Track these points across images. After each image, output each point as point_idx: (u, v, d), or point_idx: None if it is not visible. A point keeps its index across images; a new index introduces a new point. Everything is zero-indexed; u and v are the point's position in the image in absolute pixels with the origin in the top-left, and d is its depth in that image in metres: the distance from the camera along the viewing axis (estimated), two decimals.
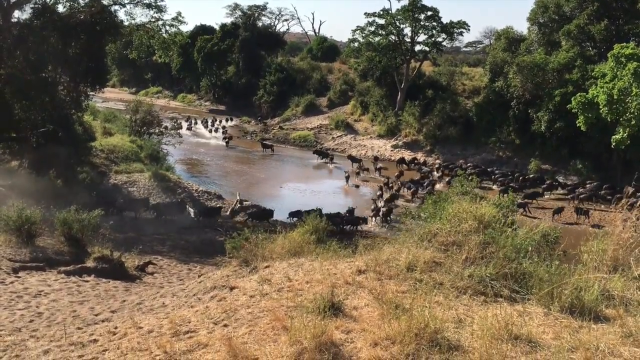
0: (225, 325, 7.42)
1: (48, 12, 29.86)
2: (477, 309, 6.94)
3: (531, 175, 41.47)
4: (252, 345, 6.44)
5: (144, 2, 34.80)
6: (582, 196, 35.14)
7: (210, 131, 62.59)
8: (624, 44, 32.89)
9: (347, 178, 41.83)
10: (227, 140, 55.87)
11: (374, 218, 31.88)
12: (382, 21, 58.44)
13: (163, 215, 28.85)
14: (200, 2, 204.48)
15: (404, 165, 46.08)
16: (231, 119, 69.38)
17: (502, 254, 7.86)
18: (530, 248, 8.37)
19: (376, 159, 47.69)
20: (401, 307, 6.53)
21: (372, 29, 59.06)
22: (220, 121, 67.23)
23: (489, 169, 43.55)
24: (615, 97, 30.66)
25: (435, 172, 43.82)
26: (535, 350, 5.80)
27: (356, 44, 62.96)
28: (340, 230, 28.10)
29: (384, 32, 58.53)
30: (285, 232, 12.77)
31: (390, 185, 39.29)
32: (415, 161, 47.56)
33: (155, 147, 40.92)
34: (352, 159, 46.34)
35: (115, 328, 9.05)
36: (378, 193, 37.38)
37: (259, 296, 8.35)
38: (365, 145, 54.84)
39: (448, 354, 5.68)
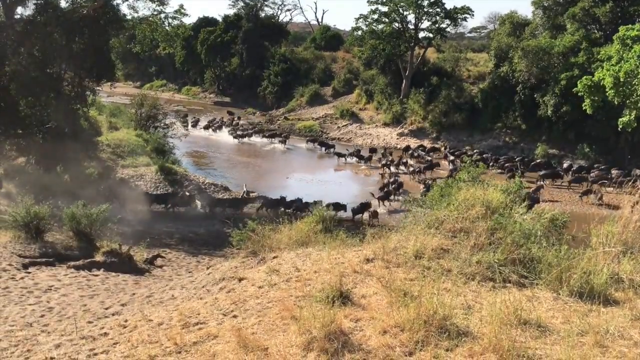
0: (235, 316, 7.44)
1: (51, 8, 29.83)
2: (486, 294, 6.94)
3: (538, 160, 41.31)
4: (261, 336, 6.46)
5: None
6: (601, 181, 34.93)
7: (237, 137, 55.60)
8: (630, 25, 32.59)
9: (367, 159, 43.80)
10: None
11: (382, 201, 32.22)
12: (385, 8, 58.15)
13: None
14: None
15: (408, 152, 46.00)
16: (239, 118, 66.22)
17: (510, 240, 7.85)
18: (539, 233, 8.35)
19: (372, 150, 46.74)
20: (410, 294, 6.53)
21: (376, 16, 58.82)
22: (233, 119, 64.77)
23: (494, 156, 43.37)
24: (621, 79, 30.41)
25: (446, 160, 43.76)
26: (544, 335, 5.80)
27: (359, 32, 62.72)
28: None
29: (387, 20, 58.24)
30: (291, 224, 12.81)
31: (391, 159, 41.22)
32: (421, 148, 47.29)
33: (161, 141, 40.95)
34: (357, 153, 45.70)
35: (126, 321, 9.09)
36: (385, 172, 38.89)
37: (268, 287, 8.37)
38: (370, 134, 54.69)
39: (457, 340, 5.69)
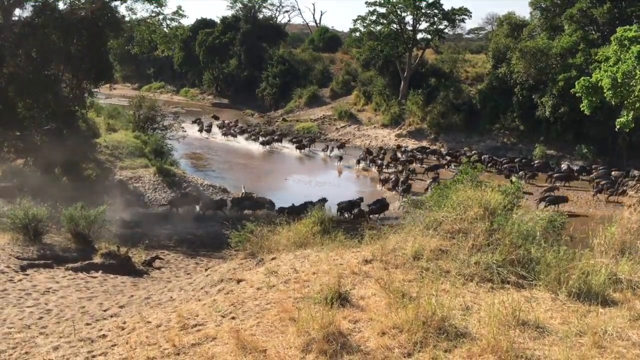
0: (233, 318, 7.44)
1: (49, 10, 29.77)
2: (484, 295, 6.95)
3: (537, 161, 41.31)
4: (260, 337, 6.45)
5: None
6: (597, 179, 34.81)
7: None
8: (627, 26, 32.59)
9: (370, 161, 43.18)
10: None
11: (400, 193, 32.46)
12: (383, 10, 58.26)
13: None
14: None
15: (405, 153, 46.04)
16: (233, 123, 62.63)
17: (509, 241, 7.85)
18: (538, 234, 8.36)
19: (368, 151, 46.27)
20: (408, 295, 6.54)
21: (374, 18, 58.93)
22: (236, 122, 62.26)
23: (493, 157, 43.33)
24: (619, 80, 30.46)
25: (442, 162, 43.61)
26: (542, 336, 5.80)
27: (358, 34, 62.85)
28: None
29: (385, 21, 58.31)
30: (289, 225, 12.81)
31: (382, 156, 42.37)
32: (418, 149, 47.14)
33: (160, 142, 40.89)
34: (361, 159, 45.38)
35: (124, 323, 9.09)
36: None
37: (266, 288, 8.37)
38: (369, 135, 54.66)
39: (456, 341, 5.69)
